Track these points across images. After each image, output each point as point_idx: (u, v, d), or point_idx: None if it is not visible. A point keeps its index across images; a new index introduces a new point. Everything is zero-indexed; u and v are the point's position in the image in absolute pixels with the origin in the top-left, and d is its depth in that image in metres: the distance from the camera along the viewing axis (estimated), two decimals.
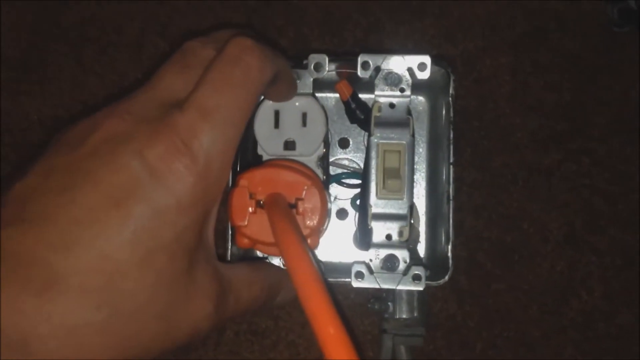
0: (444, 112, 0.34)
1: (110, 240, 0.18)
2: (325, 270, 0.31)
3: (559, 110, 0.42)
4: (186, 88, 0.22)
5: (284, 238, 0.21)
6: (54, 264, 0.18)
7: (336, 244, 0.34)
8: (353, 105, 0.35)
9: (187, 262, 0.20)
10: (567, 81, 0.42)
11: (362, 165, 0.37)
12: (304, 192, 0.25)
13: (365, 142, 0.37)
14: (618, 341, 0.38)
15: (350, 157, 0.37)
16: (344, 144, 0.37)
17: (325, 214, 0.25)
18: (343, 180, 0.35)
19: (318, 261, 0.32)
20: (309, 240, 0.25)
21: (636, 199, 0.40)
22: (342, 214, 0.35)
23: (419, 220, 0.35)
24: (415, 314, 0.32)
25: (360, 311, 0.38)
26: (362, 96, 0.35)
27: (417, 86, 0.33)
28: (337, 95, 0.36)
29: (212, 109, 0.21)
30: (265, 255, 0.30)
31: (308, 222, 0.25)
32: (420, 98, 0.37)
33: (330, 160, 0.36)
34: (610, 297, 0.38)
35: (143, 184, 0.19)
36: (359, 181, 0.36)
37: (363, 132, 0.37)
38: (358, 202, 0.35)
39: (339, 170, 0.36)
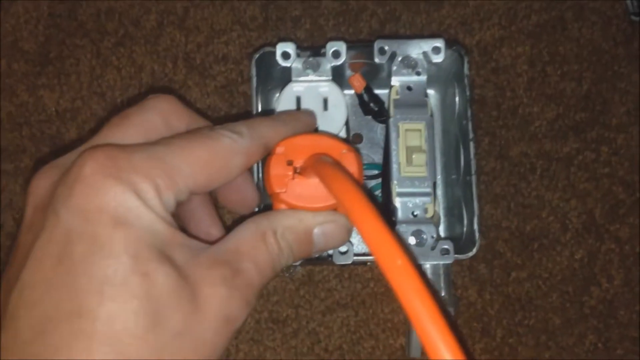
0: (457, 99, 0.36)
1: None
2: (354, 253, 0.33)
3: (577, 100, 0.43)
4: None
5: (336, 181, 0.21)
6: None
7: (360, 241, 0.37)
8: (367, 98, 0.37)
9: (176, 273, 0.20)
10: (586, 70, 0.44)
11: (376, 159, 0.39)
12: (341, 157, 0.25)
13: (379, 136, 0.39)
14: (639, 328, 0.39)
15: (364, 152, 0.40)
16: (357, 139, 0.40)
17: (362, 178, 0.26)
18: None
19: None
20: None
21: None
22: None
23: (438, 205, 0.36)
24: (443, 294, 0.34)
25: (380, 299, 0.40)
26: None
27: (428, 79, 0.35)
28: (350, 92, 0.38)
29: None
30: None
31: None
32: (431, 91, 0.40)
33: None
34: (630, 284, 0.40)
35: None
36: (377, 171, 0.38)
37: (376, 126, 0.40)
38: (377, 192, 0.37)
39: None
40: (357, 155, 0.26)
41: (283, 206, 0.25)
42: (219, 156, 0.23)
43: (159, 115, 0.24)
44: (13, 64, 0.44)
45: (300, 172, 0.25)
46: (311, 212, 0.24)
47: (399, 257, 0.18)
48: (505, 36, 0.45)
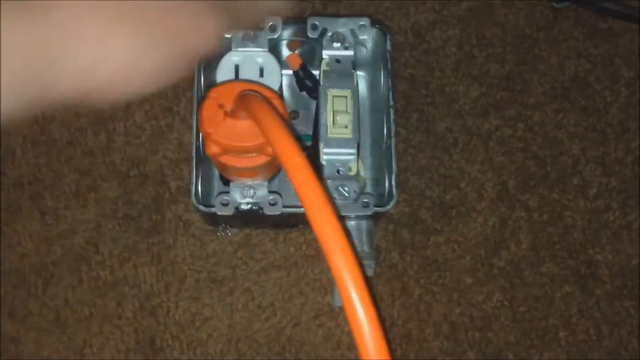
0: (382, 75, 0.41)
1: None
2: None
3: (499, 80, 0.49)
4: None
5: (260, 112, 0.24)
6: None
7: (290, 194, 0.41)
8: (302, 74, 0.42)
9: None
10: (509, 53, 0.49)
11: (310, 133, 0.44)
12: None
13: (314, 113, 0.44)
14: (542, 288, 0.45)
15: (301, 128, 0.44)
16: (293, 115, 0.45)
17: (287, 122, 0.29)
18: None
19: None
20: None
21: (565, 161, 0.47)
22: None
23: (366, 172, 0.41)
24: (365, 248, 0.39)
25: (311, 261, 0.45)
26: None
27: (359, 63, 0.39)
28: (288, 72, 0.42)
29: None
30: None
31: None
32: (361, 73, 0.44)
33: None
34: (536, 248, 0.46)
35: None
36: (309, 142, 0.42)
37: (311, 104, 0.44)
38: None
39: None
40: (283, 102, 0.30)
41: (214, 147, 0.29)
42: None
43: None
44: None
45: (231, 114, 0.29)
46: None
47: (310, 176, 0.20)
48: (438, 20, 0.50)
